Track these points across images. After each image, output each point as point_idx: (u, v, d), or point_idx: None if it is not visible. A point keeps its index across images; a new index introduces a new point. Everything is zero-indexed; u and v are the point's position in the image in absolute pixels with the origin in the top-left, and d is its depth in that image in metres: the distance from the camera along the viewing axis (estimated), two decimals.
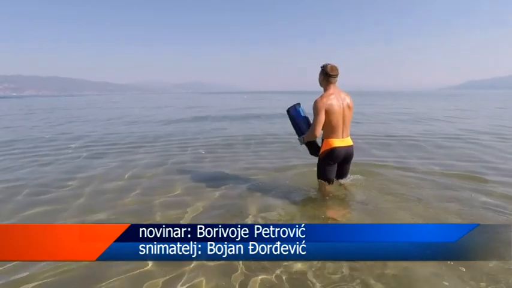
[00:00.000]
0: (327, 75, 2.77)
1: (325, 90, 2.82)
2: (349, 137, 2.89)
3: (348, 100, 2.81)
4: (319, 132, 2.76)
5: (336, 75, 2.77)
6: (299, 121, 3.01)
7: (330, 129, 2.79)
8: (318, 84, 2.87)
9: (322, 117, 2.71)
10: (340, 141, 2.81)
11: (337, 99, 2.75)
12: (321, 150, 2.88)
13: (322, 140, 2.89)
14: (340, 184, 3.06)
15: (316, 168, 3.00)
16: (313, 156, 3.05)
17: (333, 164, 2.90)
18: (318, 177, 2.97)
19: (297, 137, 3.07)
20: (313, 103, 2.75)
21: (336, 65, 2.77)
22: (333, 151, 2.81)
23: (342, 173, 3.03)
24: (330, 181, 2.94)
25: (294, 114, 3.03)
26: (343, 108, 2.76)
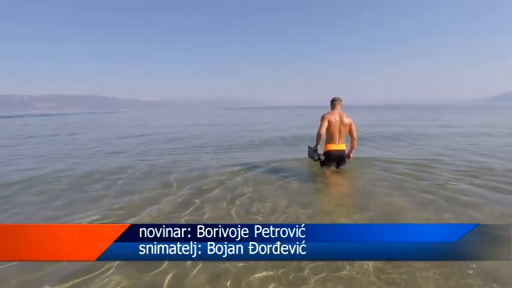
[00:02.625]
0: (331, 102, 4.25)
1: (331, 110, 4.23)
2: (343, 144, 4.16)
3: (346, 120, 4.12)
4: (322, 131, 4.05)
5: (335, 101, 4.20)
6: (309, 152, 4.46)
7: (328, 136, 4.15)
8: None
9: (324, 123, 4.08)
10: (335, 146, 4.14)
11: (336, 116, 4.10)
12: (323, 151, 4.24)
13: (325, 144, 4.23)
14: (338, 170, 4.23)
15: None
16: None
17: (330, 160, 4.17)
18: (321, 165, 4.25)
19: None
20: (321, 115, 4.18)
21: (338, 96, 4.23)
22: (328, 152, 4.16)
23: (339, 166, 4.27)
24: (328, 168, 4.25)
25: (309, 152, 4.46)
26: (339, 124, 4.10)
